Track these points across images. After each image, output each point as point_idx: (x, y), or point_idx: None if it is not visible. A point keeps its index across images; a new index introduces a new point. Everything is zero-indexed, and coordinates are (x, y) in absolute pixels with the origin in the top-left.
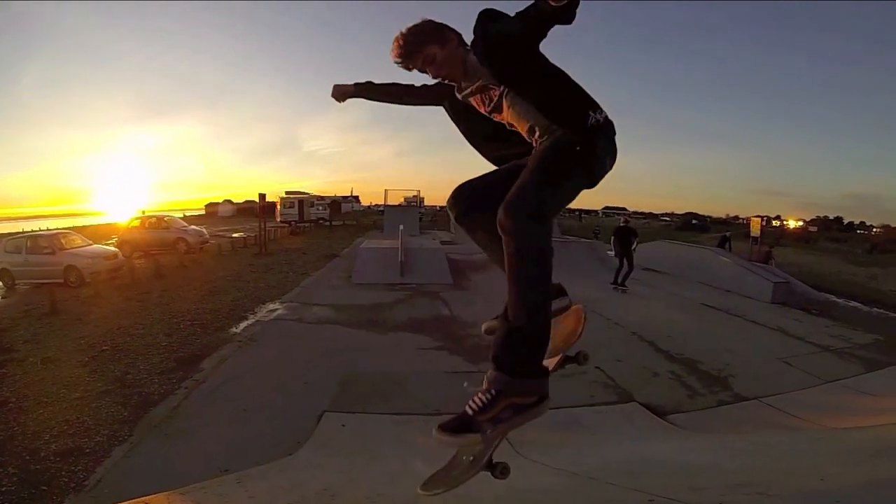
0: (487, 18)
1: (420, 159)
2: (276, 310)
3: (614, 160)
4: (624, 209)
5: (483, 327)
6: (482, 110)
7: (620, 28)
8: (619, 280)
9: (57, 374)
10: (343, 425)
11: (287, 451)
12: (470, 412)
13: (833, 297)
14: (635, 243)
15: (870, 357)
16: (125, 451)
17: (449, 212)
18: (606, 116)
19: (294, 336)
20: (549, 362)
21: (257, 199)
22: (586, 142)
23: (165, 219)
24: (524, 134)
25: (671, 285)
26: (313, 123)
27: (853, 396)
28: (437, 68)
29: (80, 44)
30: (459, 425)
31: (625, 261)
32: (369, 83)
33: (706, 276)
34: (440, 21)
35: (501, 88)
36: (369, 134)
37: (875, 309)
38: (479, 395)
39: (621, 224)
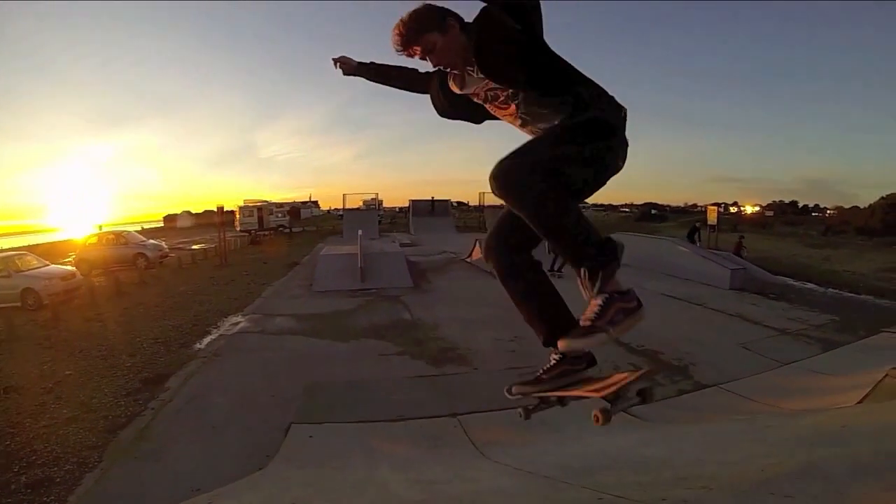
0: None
1: (378, 161)
2: (238, 323)
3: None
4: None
5: (512, 391)
6: (484, 104)
7: (569, 11)
8: (556, 267)
9: (21, 404)
10: (310, 436)
11: (257, 466)
12: (588, 323)
13: (790, 281)
14: None
15: (825, 337)
16: (96, 477)
17: (492, 270)
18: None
19: (258, 349)
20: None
21: (216, 209)
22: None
23: (123, 234)
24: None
25: (632, 277)
26: (270, 129)
27: (810, 377)
28: (437, 57)
29: (27, 53)
30: (586, 332)
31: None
32: (373, 63)
33: (666, 267)
34: (441, 5)
35: (510, 94)
36: (326, 138)
37: (830, 290)
38: (590, 310)
39: None
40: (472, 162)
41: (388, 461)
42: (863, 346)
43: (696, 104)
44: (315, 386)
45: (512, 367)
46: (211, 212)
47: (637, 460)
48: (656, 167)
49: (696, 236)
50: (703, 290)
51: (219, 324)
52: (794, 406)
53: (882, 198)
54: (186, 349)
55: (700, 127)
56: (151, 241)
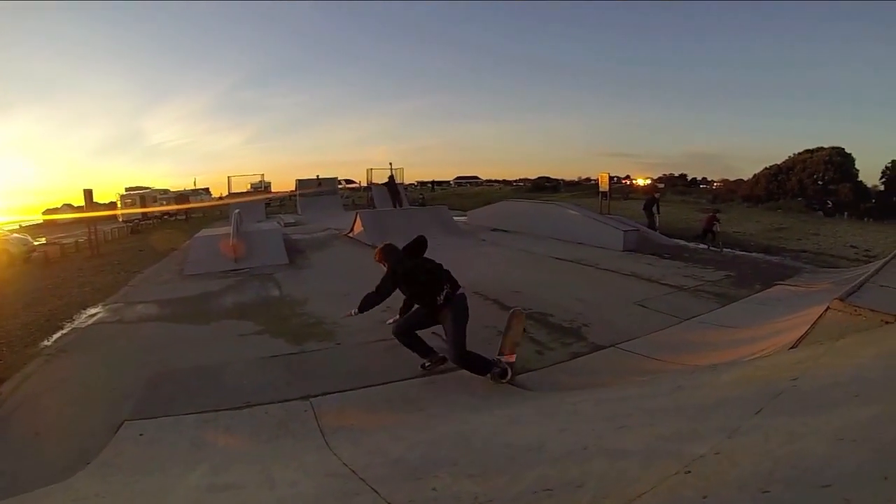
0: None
1: (268, 146)
2: (96, 314)
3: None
4: (476, 178)
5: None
6: None
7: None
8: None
9: None
10: (140, 434)
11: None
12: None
13: (683, 242)
14: None
15: (722, 292)
16: None
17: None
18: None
19: (109, 340)
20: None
21: (84, 194)
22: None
23: None
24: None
25: (520, 242)
26: (157, 115)
27: (712, 331)
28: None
29: None
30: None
31: None
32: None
33: (556, 231)
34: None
35: None
36: (214, 123)
37: (723, 249)
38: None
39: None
40: (361, 142)
41: (211, 459)
42: (760, 299)
43: (583, 84)
44: (159, 375)
45: (381, 339)
46: (96, 204)
47: (498, 449)
48: (549, 144)
49: (654, 208)
50: (596, 252)
51: (75, 317)
52: (700, 361)
53: (766, 168)
54: (31, 348)
55: (590, 106)
56: (16, 235)
